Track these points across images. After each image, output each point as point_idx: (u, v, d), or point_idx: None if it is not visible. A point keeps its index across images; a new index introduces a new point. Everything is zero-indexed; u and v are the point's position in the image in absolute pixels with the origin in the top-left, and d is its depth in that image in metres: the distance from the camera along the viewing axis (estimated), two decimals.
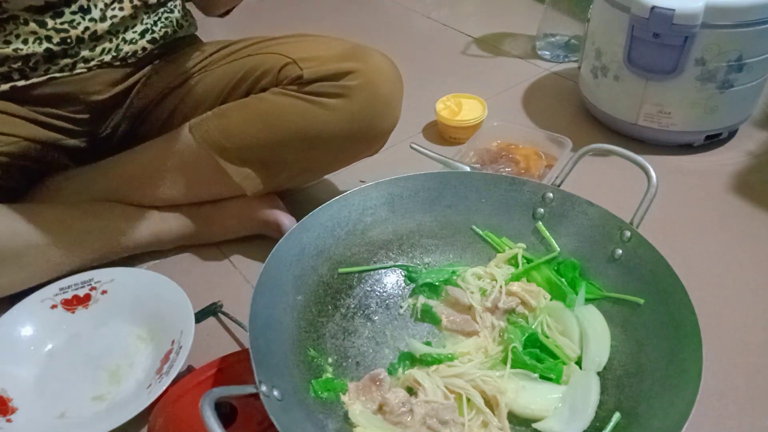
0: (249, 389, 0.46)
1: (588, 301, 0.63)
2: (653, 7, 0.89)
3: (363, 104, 0.76)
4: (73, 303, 0.77)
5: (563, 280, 0.65)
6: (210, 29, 1.00)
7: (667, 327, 0.54)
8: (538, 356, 0.59)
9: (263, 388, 0.47)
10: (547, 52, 1.33)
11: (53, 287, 0.76)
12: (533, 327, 0.62)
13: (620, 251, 0.62)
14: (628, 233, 0.61)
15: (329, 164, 0.84)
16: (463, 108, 1.09)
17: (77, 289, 0.77)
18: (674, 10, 0.87)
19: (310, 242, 0.64)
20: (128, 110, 0.87)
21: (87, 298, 0.77)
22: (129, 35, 0.82)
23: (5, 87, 0.77)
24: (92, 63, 0.80)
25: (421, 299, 0.66)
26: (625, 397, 0.54)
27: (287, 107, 0.75)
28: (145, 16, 0.84)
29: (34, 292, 0.75)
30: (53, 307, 0.76)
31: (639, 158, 0.63)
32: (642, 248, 0.60)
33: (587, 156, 0.65)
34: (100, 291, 0.77)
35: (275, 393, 0.48)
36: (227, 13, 0.86)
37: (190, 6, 0.92)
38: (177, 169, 0.81)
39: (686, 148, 1.02)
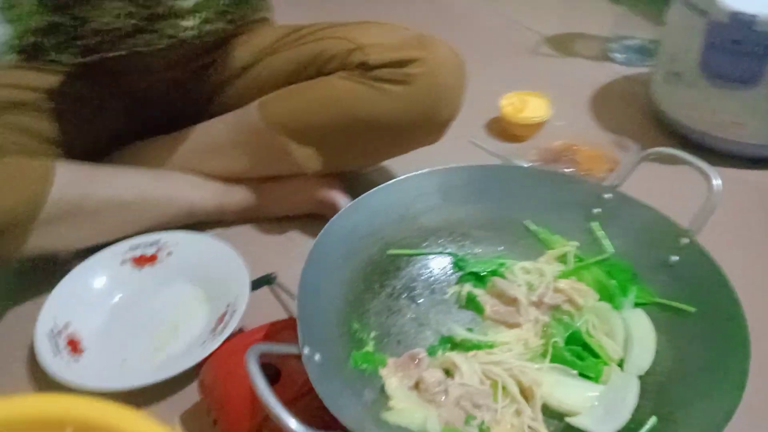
0: (292, 349, 0.49)
1: (637, 305, 0.62)
2: (734, 12, 0.86)
3: (424, 92, 0.77)
4: (142, 261, 0.82)
5: (614, 282, 0.64)
6: (283, 13, 1.03)
7: (715, 337, 0.53)
8: (579, 354, 0.59)
9: (306, 350, 0.49)
10: (619, 55, 1.30)
11: (125, 244, 0.82)
12: (577, 325, 0.62)
13: (675, 258, 0.61)
14: (685, 240, 0.60)
15: (388, 150, 0.86)
16: (527, 106, 1.09)
17: (146, 248, 0.82)
18: (756, 15, 0.84)
19: (362, 222, 0.66)
20: (202, 86, 0.92)
21: (154, 257, 0.82)
22: (208, 14, 0.87)
23: (95, 57, 0.83)
24: (173, 39, 0.85)
25: (467, 287, 0.67)
26: (664, 403, 0.53)
27: (350, 91, 0.78)
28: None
29: (107, 247, 0.81)
30: (124, 262, 0.81)
31: (703, 165, 0.61)
32: (698, 257, 0.59)
33: (652, 161, 0.64)
34: (166, 252, 0.83)
35: (317, 357, 0.51)
36: None
37: None
38: (244, 145, 0.85)
39: (757, 162, 0.98)
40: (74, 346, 0.72)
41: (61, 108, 0.82)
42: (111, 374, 0.69)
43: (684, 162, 0.62)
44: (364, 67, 0.79)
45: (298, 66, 0.85)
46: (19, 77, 0.81)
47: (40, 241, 0.75)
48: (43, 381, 0.67)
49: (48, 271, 0.80)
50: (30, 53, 0.84)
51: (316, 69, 0.84)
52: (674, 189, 0.91)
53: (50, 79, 0.82)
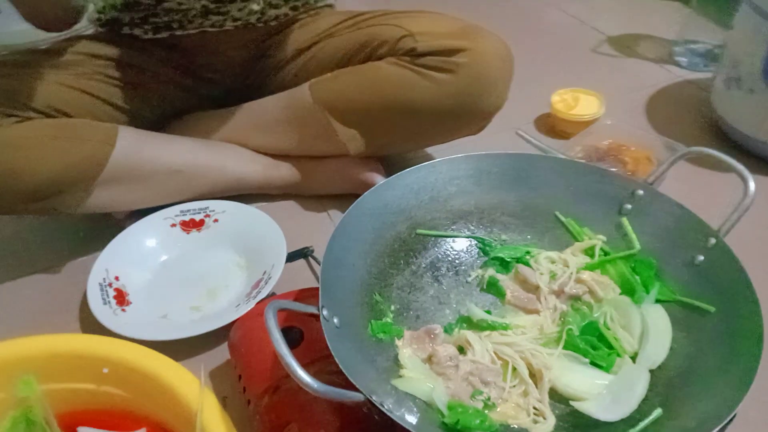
0: (311, 309, 0.52)
1: (658, 301, 0.62)
2: None
3: (469, 82, 0.79)
4: (189, 225, 0.87)
5: (637, 277, 0.64)
6: (346, 1, 1.07)
7: (731, 338, 0.53)
8: (593, 344, 0.60)
9: (324, 312, 0.52)
10: (684, 59, 1.26)
11: (175, 209, 0.87)
12: (595, 316, 0.62)
13: (701, 257, 0.60)
14: (713, 240, 0.60)
15: (431, 137, 0.88)
16: (579, 103, 1.08)
17: (194, 214, 0.88)
18: None
19: (393, 200, 0.68)
20: (261, 66, 0.97)
21: (201, 223, 0.88)
22: (275, 0, 0.91)
23: (165, 34, 0.89)
24: (238, 22, 0.90)
25: (490, 271, 0.68)
26: (671, 398, 0.53)
27: (398, 77, 0.80)
28: None
29: (159, 210, 0.87)
30: (173, 225, 0.87)
31: (739, 166, 0.60)
32: (724, 257, 0.58)
33: (696, 163, 0.63)
34: (213, 219, 0.88)
35: (335, 320, 0.54)
36: None
37: None
38: (293, 122, 0.89)
39: None
40: (121, 297, 0.78)
41: (129, 78, 0.88)
42: (151, 326, 0.74)
43: (723, 163, 0.61)
44: (413, 54, 0.81)
45: (350, 50, 0.88)
46: (97, 48, 0.87)
47: (100, 199, 0.81)
48: (93, 326, 0.73)
49: (105, 227, 0.87)
50: (109, 26, 0.91)
51: (368, 54, 0.87)
52: (711, 190, 0.89)
53: (124, 52, 0.88)
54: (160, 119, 0.94)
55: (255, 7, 0.89)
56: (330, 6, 1.01)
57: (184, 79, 0.94)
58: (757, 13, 0.92)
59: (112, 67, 0.87)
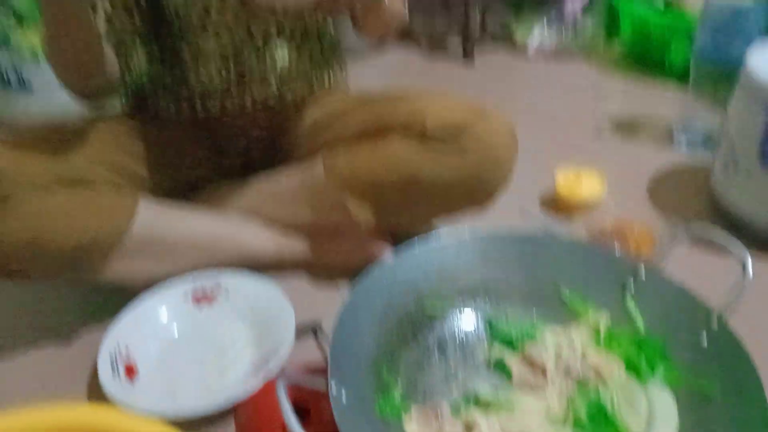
0: (320, 383, 0.53)
1: (663, 382, 0.62)
2: None
3: (476, 159, 0.82)
4: (201, 298, 0.89)
5: (643, 356, 0.65)
6: (358, 81, 1.13)
7: (736, 420, 0.53)
8: (599, 426, 0.60)
9: (333, 384, 0.53)
10: (684, 142, 1.30)
11: (188, 281, 0.89)
12: (602, 397, 0.62)
13: (705, 337, 0.61)
14: (715, 320, 0.61)
15: (438, 211, 0.91)
16: (583, 182, 1.11)
17: (206, 286, 0.89)
18: None
19: (402, 273, 0.70)
20: (277, 143, 1.01)
21: (213, 295, 0.89)
22: (292, 82, 0.97)
23: (187, 113, 0.94)
24: (257, 101, 0.95)
25: (497, 348, 0.69)
26: None
27: (407, 153, 0.84)
28: (309, 68, 0.98)
29: (172, 281, 0.89)
30: (185, 297, 0.88)
31: (737, 246, 0.62)
32: (727, 339, 0.59)
33: (695, 242, 0.65)
34: (224, 292, 0.89)
35: (343, 394, 0.55)
36: (383, 37, 0.98)
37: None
38: (306, 195, 0.92)
39: None
40: (130, 370, 0.78)
41: (152, 152, 0.92)
42: (159, 401, 0.74)
43: (719, 243, 0.63)
44: (422, 132, 0.85)
45: (363, 128, 0.92)
46: (123, 123, 0.92)
47: (117, 269, 0.83)
48: (102, 396, 0.73)
49: (119, 296, 0.89)
50: (134, 103, 0.96)
51: (380, 131, 0.90)
52: (713, 270, 0.90)
53: (148, 127, 0.93)
54: (180, 191, 0.97)
55: (273, 87, 0.95)
56: (344, 86, 1.06)
57: (205, 154, 0.98)
58: (750, 99, 0.96)
59: (136, 141, 0.91)
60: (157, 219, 0.86)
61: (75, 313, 0.92)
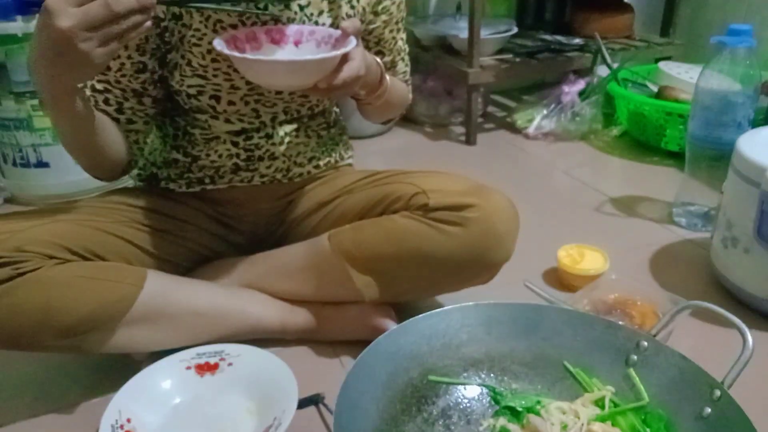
0: None
1: None
2: None
3: (478, 235, 0.84)
4: (204, 368, 0.89)
5: (647, 429, 0.64)
6: (363, 161, 1.17)
7: None
8: None
9: None
10: (683, 220, 1.33)
11: (191, 351, 0.89)
12: None
13: (709, 410, 0.61)
14: (718, 393, 0.61)
15: (443, 285, 0.92)
16: (585, 258, 1.13)
17: (210, 357, 0.89)
18: None
19: (406, 345, 0.71)
20: (284, 218, 1.04)
21: (216, 366, 0.89)
22: (299, 159, 1.01)
23: (197, 188, 0.98)
24: (265, 178, 0.99)
25: (502, 421, 0.68)
26: None
27: (411, 228, 0.86)
28: (315, 145, 1.02)
29: (176, 352, 0.89)
30: (188, 368, 0.88)
31: (736, 320, 0.63)
32: (731, 411, 0.59)
33: (697, 317, 0.66)
34: (228, 363, 0.89)
35: None
36: (389, 122, 1.02)
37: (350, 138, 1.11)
38: (311, 269, 0.94)
39: None
40: None
41: (162, 226, 0.95)
42: None
43: (719, 315, 0.64)
44: (425, 209, 0.88)
45: (368, 204, 0.96)
46: (135, 198, 0.95)
47: (122, 339, 0.84)
48: None
49: (122, 367, 0.89)
50: (146, 180, 1.00)
51: (384, 208, 0.94)
52: (715, 343, 0.91)
53: (158, 202, 0.96)
54: (188, 264, 0.99)
55: (280, 165, 0.99)
56: (349, 165, 1.11)
57: (213, 228, 1.01)
58: (743, 179, 1.00)
59: (146, 215, 0.94)
60: (164, 290, 0.88)
61: (78, 383, 0.92)
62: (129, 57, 0.84)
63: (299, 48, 0.86)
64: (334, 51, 0.77)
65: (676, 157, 1.60)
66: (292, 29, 0.86)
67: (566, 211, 1.42)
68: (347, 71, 0.77)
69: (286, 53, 0.85)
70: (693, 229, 1.31)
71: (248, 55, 0.78)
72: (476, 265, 0.87)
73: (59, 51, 0.63)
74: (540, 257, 1.19)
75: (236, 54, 0.75)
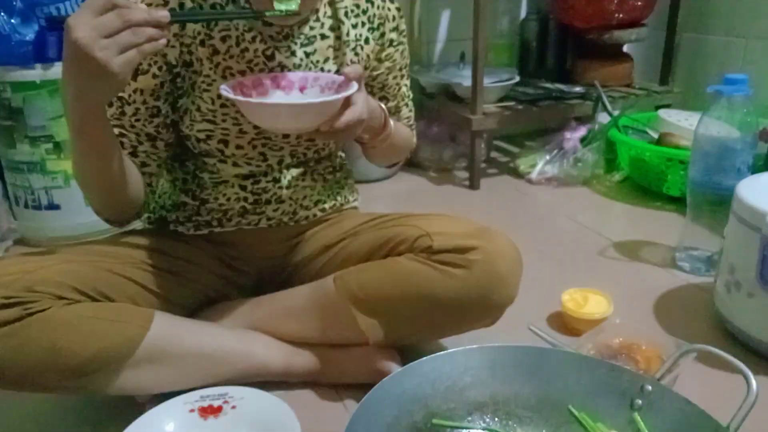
0: None
1: None
2: None
3: (482, 277, 0.85)
4: (208, 411, 0.88)
5: None
6: (368, 204, 1.19)
7: None
8: None
9: None
10: (686, 264, 1.34)
11: (195, 394, 0.89)
12: None
13: None
14: None
15: (447, 328, 0.92)
16: (589, 302, 1.13)
17: (213, 399, 0.89)
18: None
19: (410, 388, 0.71)
20: (290, 260, 1.05)
21: (219, 409, 0.89)
22: (305, 202, 1.03)
23: (205, 231, 1.00)
24: (272, 221, 1.01)
25: None
26: None
27: (416, 271, 0.87)
28: (321, 189, 1.05)
29: (180, 394, 0.89)
30: (192, 411, 0.88)
31: (741, 365, 0.63)
32: None
33: (700, 360, 0.66)
34: (231, 406, 0.89)
35: None
36: (394, 165, 1.04)
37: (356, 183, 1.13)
38: (317, 312, 0.94)
39: None
40: None
41: (170, 268, 0.96)
42: None
43: (722, 360, 0.64)
44: (429, 251, 0.89)
45: (373, 247, 0.97)
46: (144, 240, 0.97)
47: (128, 380, 0.84)
48: None
49: (126, 408, 0.89)
50: (156, 223, 1.02)
51: (388, 250, 0.95)
52: (721, 387, 0.90)
53: (167, 244, 0.98)
54: (194, 306, 1.00)
55: (286, 208, 1.01)
56: (355, 208, 1.13)
57: (220, 270, 1.02)
58: (744, 224, 1.01)
59: (154, 256, 0.96)
60: (170, 331, 0.88)
61: (82, 425, 0.92)
62: (144, 102, 0.87)
63: (304, 93, 0.89)
64: (336, 95, 0.80)
65: (678, 202, 1.62)
66: (296, 75, 0.89)
67: (570, 255, 1.43)
68: (349, 115, 0.79)
69: (291, 98, 0.88)
70: (696, 274, 1.31)
71: (251, 99, 0.80)
72: (480, 308, 0.88)
73: (80, 62, 0.64)
74: (544, 301, 1.19)
75: (240, 98, 0.78)
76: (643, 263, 1.38)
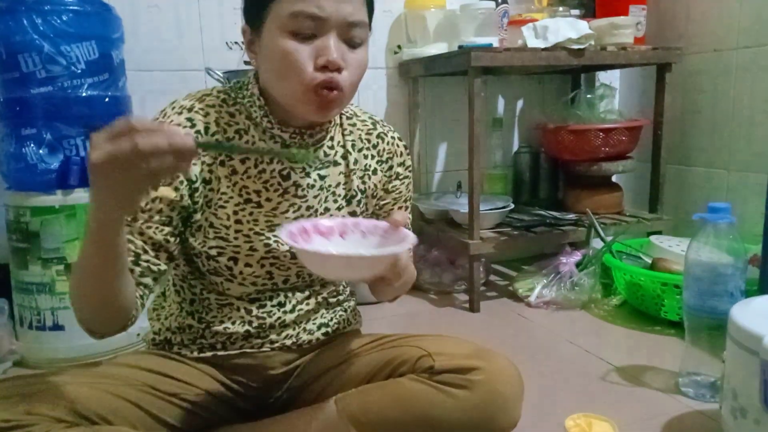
0: None
1: None
2: None
3: (484, 398, 0.86)
4: None
5: None
6: (370, 326, 1.21)
7: None
8: None
9: None
10: (691, 390, 1.32)
11: None
12: None
13: None
14: None
15: None
16: (593, 428, 1.12)
17: None
18: None
19: None
20: (291, 383, 1.05)
21: None
22: (309, 326, 1.05)
23: (209, 354, 1.00)
24: (275, 345, 1.02)
25: None
26: None
27: (418, 391, 0.88)
28: (324, 312, 1.07)
29: None
30: None
31: None
32: None
33: None
34: None
35: None
36: (396, 298, 1.06)
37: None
38: None
39: None
40: None
41: (172, 390, 0.96)
42: None
43: None
44: (431, 371, 0.90)
45: (374, 368, 0.98)
46: (147, 362, 0.97)
47: None
48: None
49: None
50: (160, 345, 1.03)
51: (390, 371, 0.95)
52: None
53: (171, 366, 0.98)
54: (194, 430, 0.98)
55: (290, 332, 1.02)
56: (357, 330, 1.14)
57: (221, 393, 1.01)
58: (741, 348, 1.02)
59: (156, 378, 0.95)
60: None
61: None
62: (160, 211, 0.89)
63: (345, 239, 0.86)
64: (393, 246, 0.78)
65: (677, 327, 1.63)
66: (335, 221, 0.87)
67: (572, 380, 1.42)
68: (403, 263, 0.82)
69: (334, 244, 0.85)
70: (701, 400, 1.30)
71: (332, 250, 0.78)
72: (483, 430, 0.87)
73: (95, 179, 0.67)
74: (547, 426, 1.17)
75: (308, 248, 0.75)
76: (646, 388, 1.37)
